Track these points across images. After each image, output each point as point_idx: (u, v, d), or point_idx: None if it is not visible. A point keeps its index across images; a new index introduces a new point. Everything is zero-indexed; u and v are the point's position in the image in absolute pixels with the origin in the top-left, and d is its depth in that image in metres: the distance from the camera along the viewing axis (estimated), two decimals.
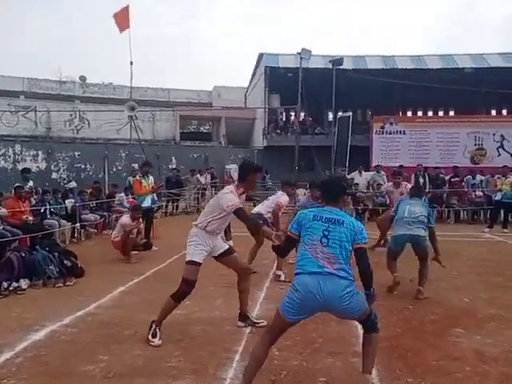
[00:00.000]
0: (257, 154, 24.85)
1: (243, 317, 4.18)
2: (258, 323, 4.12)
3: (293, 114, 28.18)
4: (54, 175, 21.82)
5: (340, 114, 19.31)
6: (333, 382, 3.08)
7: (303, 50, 14.95)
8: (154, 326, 3.77)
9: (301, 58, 15.12)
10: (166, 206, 14.04)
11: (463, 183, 13.01)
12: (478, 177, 13.08)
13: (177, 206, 14.71)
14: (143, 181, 8.29)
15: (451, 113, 28.37)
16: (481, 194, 12.53)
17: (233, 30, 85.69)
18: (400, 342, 3.72)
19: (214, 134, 30.60)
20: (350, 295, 2.76)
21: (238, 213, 3.81)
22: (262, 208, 6.30)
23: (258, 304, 4.81)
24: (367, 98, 25.83)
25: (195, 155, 24.62)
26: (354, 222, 2.89)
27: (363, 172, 13.72)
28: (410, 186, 7.64)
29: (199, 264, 3.93)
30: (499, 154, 21.70)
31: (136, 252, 7.36)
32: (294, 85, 22.91)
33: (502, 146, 21.84)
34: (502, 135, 21.79)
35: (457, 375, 3.12)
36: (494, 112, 27.86)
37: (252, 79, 28.69)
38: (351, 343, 3.70)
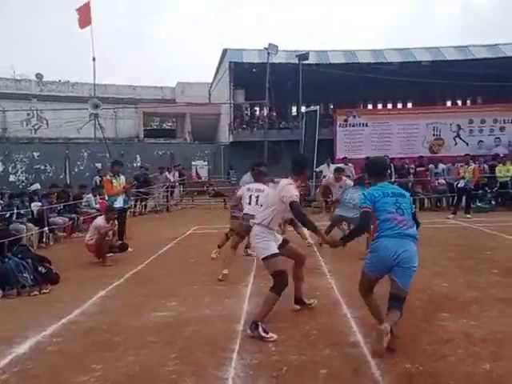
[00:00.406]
0: (223, 150, 24.74)
1: (299, 300, 4.44)
2: (310, 304, 4.45)
3: (257, 108, 28.26)
4: (12, 178, 20.90)
5: (306, 108, 19.45)
6: (334, 373, 3.10)
7: (270, 45, 14.94)
8: (259, 324, 3.74)
9: (268, 54, 15.10)
10: (135, 205, 13.72)
11: (427, 172, 13.46)
12: (440, 165, 13.58)
13: (145, 206, 14.42)
14: (114, 181, 8.04)
15: (409, 105, 29.17)
16: (443, 182, 13.01)
17: (194, 25, 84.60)
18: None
19: (178, 131, 30.21)
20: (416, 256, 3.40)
21: (293, 205, 3.88)
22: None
23: (246, 300, 4.78)
24: (329, 91, 26.14)
25: (160, 152, 24.21)
26: (407, 193, 3.60)
27: (331, 164, 13.91)
28: (349, 181, 8.07)
29: (279, 254, 3.99)
30: (456, 143, 22.61)
31: (111, 254, 7.16)
32: (258, 80, 22.90)
33: (458, 136, 22.75)
34: (458, 125, 22.69)
35: (451, 358, 3.22)
36: (449, 103, 28.84)
37: (216, 75, 28.46)
38: (345, 334, 3.75)
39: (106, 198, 8.72)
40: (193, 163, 23.87)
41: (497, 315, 4.07)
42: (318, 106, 19.61)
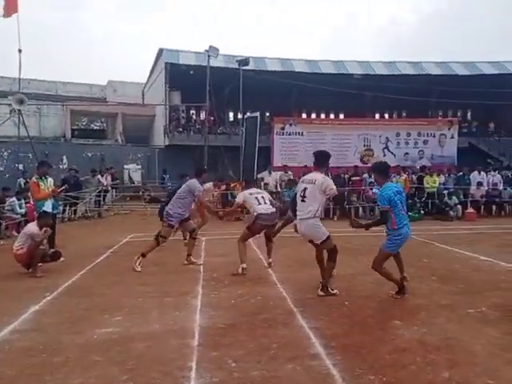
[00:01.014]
0: (158, 153, 24.07)
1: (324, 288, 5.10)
2: (334, 293, 5.07)
3: (193, 112, 27.86)
4: None
5: (243, 114, 19.42)
6: None
7: (211, 47, 14.74)
8: (327, 285, 5.06)
9: (208, 56, 14.88)
10: (64, 210, 12.81)
11: (361, 181, 14.00)
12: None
13: (75, 211, 13.52)
14: (41, 183, 7.37)
15: (341, 116, 30.34)
16: (377, 191, 13.57)
17: (129, 23, 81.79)
18: (350, 339, 3.79)
19: (109, 132, 28.97)
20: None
21: (337, 198, 5.26)
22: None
23: (198, 312, 4.56)
24: (266, 99, 26.45)
25: (89, 154, 23.01)
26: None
27: (272, 172, 14.01)
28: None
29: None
30: (384, 155, 23.76)
31: (40, 264, 6.55)
32: (195, 82, 22.58)
33: (387, 147, 23.97)
34: (386, 137, 23.90)
35: (411, 367, 3.26)
36: (377, 116, 30.41)
37: (151, 75, 27.68)
38: (305, 345, 3.67)
39: (32, 203, 8.01)
40: (125, 166, 22.93)
41: (444, 321, 4.23)
42: (258, 113, 19.71)
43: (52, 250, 6.69)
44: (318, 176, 5.03)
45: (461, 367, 3.23)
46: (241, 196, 6.64)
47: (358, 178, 14.08)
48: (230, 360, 3.43)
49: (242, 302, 4.94)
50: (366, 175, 14.12)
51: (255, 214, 6.33)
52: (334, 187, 5.00)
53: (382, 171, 5.05)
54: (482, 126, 28.33)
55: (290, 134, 23.11)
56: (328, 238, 5.05)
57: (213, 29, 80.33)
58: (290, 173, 13.23)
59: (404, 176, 11.55)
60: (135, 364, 3.36)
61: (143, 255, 6.61)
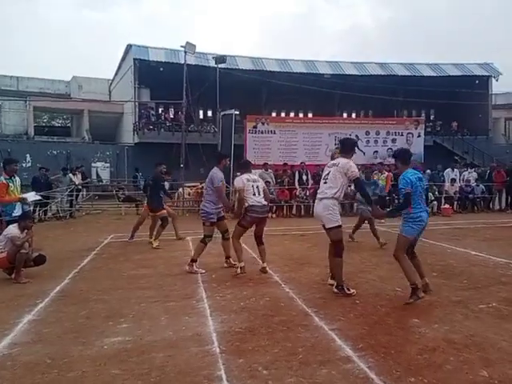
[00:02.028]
0: (127, 151, 23.38)
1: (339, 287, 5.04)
2: (350, 293, 4.97)
3: (162, 109, 27.25)
4: None
5: (212, 112, 19.11)
6: None
7: (188, 44, 14.34)
8: (342, 284, 4.97)
9: (185, 53, 14.48)
10: (34, 211, 12.11)
11: None
12: None
13: (45, 211, 12.85)
14: (11, 184, 6.78)
15: (309, 115, 30.53)
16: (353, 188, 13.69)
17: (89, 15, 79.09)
18: (376, 339, 3.69)
19: (74, 129, 27.90)
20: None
21: (358, 181, 5.03)
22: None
23: (209, 317, 4.33)
24: (236, 97, 26.25)
25: (55, 152, 22.09)
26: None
27: (252, 170, 13.81)
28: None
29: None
30: (355, 153, 24.12)
31: (22, 269, 6.09)
32: (165, 80, 22.12)
33: (356, 146, 24.33)
34: (356, 136, 24.21)
35: (447, 367, 3.19)
36: (345, 115, 30.80)
37: (118, 71, 26.84)
38: (333, 348, 3.54)
39: None
40: (93, 165, 22.16)
41: (461, 318, 4.20)
42: (233, 110, 19.41)
43: (36, 254, 6.24)
44: (342, 160, 5.03)
45: (496, 365, 3.19)
46: (239, 181, 6.13)
47: None
48: (260, 367, 3.25)
49: (251, 304, 4.75)
50: None
51: (247, 205, 6.02)
52: (357, 170, 4.96)
53: (406, 158, 4.92)
54: (445, 125, 29.29)
55: (262, 133, 22.97)
56: (338, 227, 4.96)
57: (179, 25, 79.08)
58: (270, 171, 13.08)
59: (386, 173, 11.66)
60: (159, 376, 3.12)
61: (193, 261, 6.28)
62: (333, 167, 5.06)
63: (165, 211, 8.80)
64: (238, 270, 6.00)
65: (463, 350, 3.46)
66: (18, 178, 7.06)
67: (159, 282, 5.73)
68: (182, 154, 14.64)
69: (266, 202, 6.14)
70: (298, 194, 14.05)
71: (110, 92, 28.61)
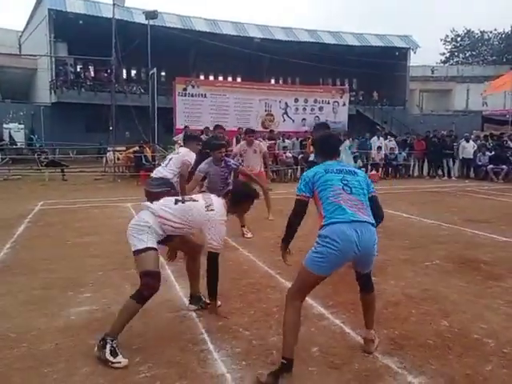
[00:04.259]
0: (43, 111, 21.54)
1: (195, 298, 3.68)
2: (209, 303, 3.63)
3: (80, 67, 25.32)
4: None
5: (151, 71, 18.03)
6: None
7: None
8: (109, 341, 2.80)
9: (113, 5, 13.41)
10: None
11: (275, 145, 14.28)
12: (287, 140, 14.55)
13: None
14: None
15: (238, 79, 30.20)
16: (290, 155, 14.01)
17: None
18: (343, 297, 3.90)
19: None
20: (376, 244, 2.75)
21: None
22: (166, 170, 5.35)
23: (174, 282, 4.26)
24: (162, 57, 25.12)
25: None
26: (363, 173, 3.00)
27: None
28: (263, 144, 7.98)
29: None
30: (284, 120, 24.50)
31: None
32: (85, 35, 20.50)
33: (286, 113, 24.68)
34: (286, 103, 24.55)
35: (412, 319, 3.47)
36: (273, 81, 30.89)
37: (29, 22, 24.29)
38: (305, 307, 3.65)
39: None
40: (5, 126, 20.16)
41: (412, 274, 4.58)
42: (155, 69, 18.49)
43: None
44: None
45: (454, 316, 3.53)
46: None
47: (273, 141, 14.33)
48: (241, 328, 3.30)
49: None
50: (279, 140, 14.43)
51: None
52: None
53: (327, 146, 3.13)
54: (366, 94, 30.66)
55: (192, 96, 22.38)
56: None
57: None
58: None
59: None
60: (142, 343, 3.05)
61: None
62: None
63: None
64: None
65: (422, 304, 3.78)
66: None
67: (110, 249, 5.48)
68: (111, 115, 13.79)
69: (162, 175, 5.32)
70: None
71: (20, 45, 25.88)
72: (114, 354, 2.75)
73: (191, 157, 5.40)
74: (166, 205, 3.16)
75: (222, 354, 2.92)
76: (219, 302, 3.60)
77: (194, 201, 3.28)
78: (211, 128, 13.48)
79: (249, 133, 7.89)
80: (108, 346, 2.77)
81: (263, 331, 3.26)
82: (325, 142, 3.16)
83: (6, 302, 3.75)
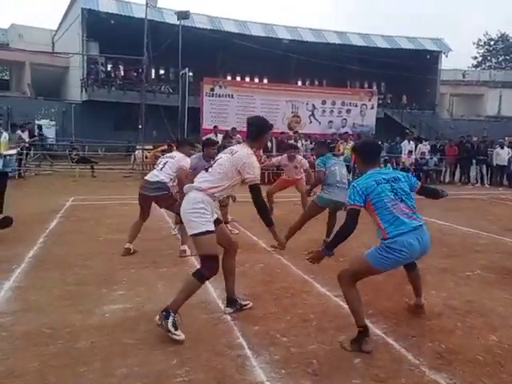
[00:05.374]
0: (74, 109, 21.95)
1: (231, 301, 3.60)
2: (245, 305, 3.63)
3: (111, 66, 25.71)
4: None
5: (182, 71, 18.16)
6: None
7: None
8: (172, 314, 3.04)
9: (146, 5, 13.54)
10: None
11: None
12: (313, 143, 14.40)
13: None
14: None
15: (265, 80, 30.09)
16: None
17: None
18: (383, 306, 3.75)
19: (13, 82, 25.69)
20: None
21: (256, 189, 3.43)
22: (162, 174, 5.20)
23: (209, 284, 4.17)
24: (190, 57, 25.31)
25: None
26: (404, 174, 3.29)
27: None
28: (305, 160, 7.68)
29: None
30: (311, 122, 24.31)
31: None
32: (116, 34, 20.79)
33: (313, 115, 24.47)
34: (313, 105, 24.34)
35: (457, 332, 3.29)
36: (299, 83, 30.65)
37: (63, 21, 24.82)
38: (343, 315, 3.51)
39: None
40: (37, 122, 20.60)
41: (453, 285, 4.38)
42: (186, 69, 18.58)
43: (1, 216, 5.71)
44: (242, 149, 3.58)
45: (502, 330, 3.33)
46: None
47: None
48: (278, 334, 3.19)
49: (246, 270, 4.66)
50: (307, 142, 14.29)
51: None
52: (258, 173, 3.35)
53: (370, 154, 3.33)
54: (395, 98, 30.12)
55: (219, 96, 22.42)
56: (206, 233, 3.26)
57: None
58: (238, 136, 12.83)
59: (351, 143, 11.82)
60: (176, 345, 2.98)
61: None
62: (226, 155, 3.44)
63: None
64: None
65: (467, 316, 3.59)
66: (4, 133, 6.61)
67: (141, 246, 5.44)
68: (141, 114, 13.88)
69: (158, 179, 5.15)
70: (262, 161, 13.91)
71: (53, 44, 26.46)
72: (175, 326, 3.00)
73: (187, 162, 5.32)
74: (202, 177, 3.32)
75: (260, 360, 2.82)
76: (251, 303, 3.63)
77: (219, 158, 3.41)
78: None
79: (290, 149, 7.67)
80: (171, 318, 3.01)
81: (301, 338, 3.14)
82: (368, 150, 3.32)
83: (40, 297, 3.74)
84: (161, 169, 5.30)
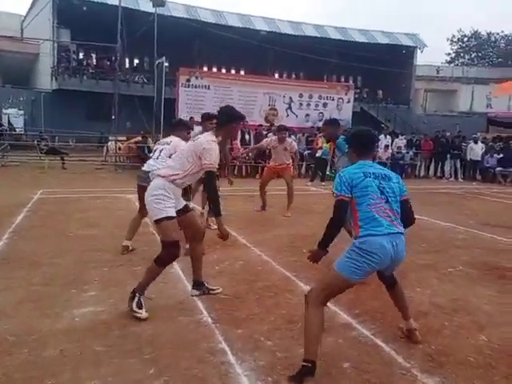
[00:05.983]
0: (44, 98, 21.12)
1: (198, 283, 3.73)
2: (213, 289, 3.75)
3: (81, 54, 24.88)
4: None
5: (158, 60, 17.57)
6: None
7: None
8: (137, 295, 3.26)
9: None
10: None
11: None
12: (292, 136, 14.23)
13: None
14: None
15: (242, 72, 29.73)
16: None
17: None
18: (368, 305, 3.63)
19: None
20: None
21: (210, 176, 3.54)
22: (158, 163, 4.72)
23: (185, 282, 3.98)
24: (167, 46, 24.67)
25: None
26: (396, 175, 2.90)
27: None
28: (294, 142, 7.78)
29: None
30: (288, 115, 24.14)
31: None
32: (88, 22, 20.10)
33: (290, 108, 24.32)
34: (290, 97, 24.18)
35: (445, 331, 3.20)
36: (277, 75, 30.43)
37: (32, 6, 23.80)
38: (329, 315, 3.37)
39: None
40: (4, 111, 19.76)
41: (437, 282, 4.31)
42: (163, 58, 18.04)
43: None
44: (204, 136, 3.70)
45: (490, 329, 3.26)
46: None
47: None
48: (262, 337, 3.02)
49: (226, 267, 4.48)
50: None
51: None
52: (215, 160, 3.39)
53: (363, 144, 2.98)
54: (371, 92, 30.30)
55: (196, 87, 21.98)
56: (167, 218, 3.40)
57: None
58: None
59: None
60: (154, 352, 2.76)
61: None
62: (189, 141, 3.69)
63: None
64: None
65: (453, 315, 3.50)
66: None
67: (115, 243, 5.17)
68: (114, 104, 13.42)
69: (155, 168, 4.64)
70: (241, 153, 13.68)
71: (22, 30, 25.33)
72: (139, 306, 3.20)
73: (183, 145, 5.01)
74: (165, 164, 3.55)
75: (244, 367, 2.64)
76: (220, 289, 3.76)
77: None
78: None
79: (282, 130, 7.63)
80: (136, 299, 3.21)
81: (287, 341, 2.98)
82: (364, 139, 2.97)
83: (3, 298, 3.46)
84: (157, 157, 4.89)
